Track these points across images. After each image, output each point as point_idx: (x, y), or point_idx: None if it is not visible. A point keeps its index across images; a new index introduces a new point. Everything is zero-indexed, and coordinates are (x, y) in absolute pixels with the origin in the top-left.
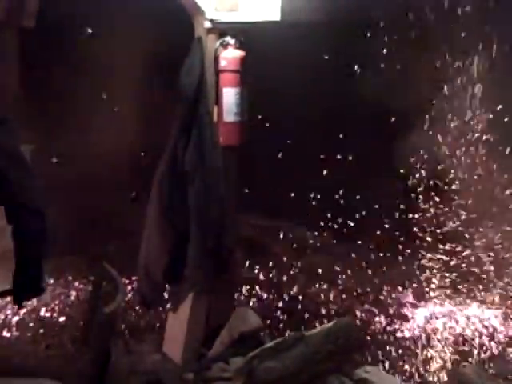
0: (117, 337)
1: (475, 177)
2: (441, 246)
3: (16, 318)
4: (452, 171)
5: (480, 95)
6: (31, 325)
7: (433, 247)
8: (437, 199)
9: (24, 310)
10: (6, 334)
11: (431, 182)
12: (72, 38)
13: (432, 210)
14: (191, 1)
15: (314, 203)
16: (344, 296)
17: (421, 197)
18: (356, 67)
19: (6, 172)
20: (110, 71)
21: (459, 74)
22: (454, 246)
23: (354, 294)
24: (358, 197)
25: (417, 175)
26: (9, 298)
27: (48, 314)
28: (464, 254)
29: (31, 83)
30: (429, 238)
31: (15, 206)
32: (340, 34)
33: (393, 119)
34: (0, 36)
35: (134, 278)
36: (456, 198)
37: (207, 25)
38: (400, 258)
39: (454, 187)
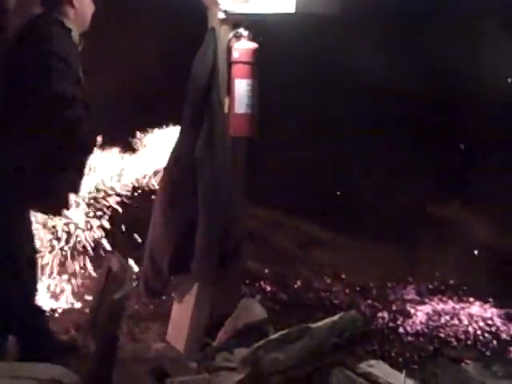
0: (123, 324)
1: None
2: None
3: None
4: None
5: None
6: None
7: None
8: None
9: None
10: None
11: None
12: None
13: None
14: None
15: (319, 197)
16: (347, 290)
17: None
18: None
19: None
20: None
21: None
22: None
23: (358, 288)
24: (364, 191)
25: None
26: None
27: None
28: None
29: None
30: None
31: None
32: (355, 28)
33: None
34: None
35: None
36: None
37: (221, 16)
38: (404, 252)
39: None
